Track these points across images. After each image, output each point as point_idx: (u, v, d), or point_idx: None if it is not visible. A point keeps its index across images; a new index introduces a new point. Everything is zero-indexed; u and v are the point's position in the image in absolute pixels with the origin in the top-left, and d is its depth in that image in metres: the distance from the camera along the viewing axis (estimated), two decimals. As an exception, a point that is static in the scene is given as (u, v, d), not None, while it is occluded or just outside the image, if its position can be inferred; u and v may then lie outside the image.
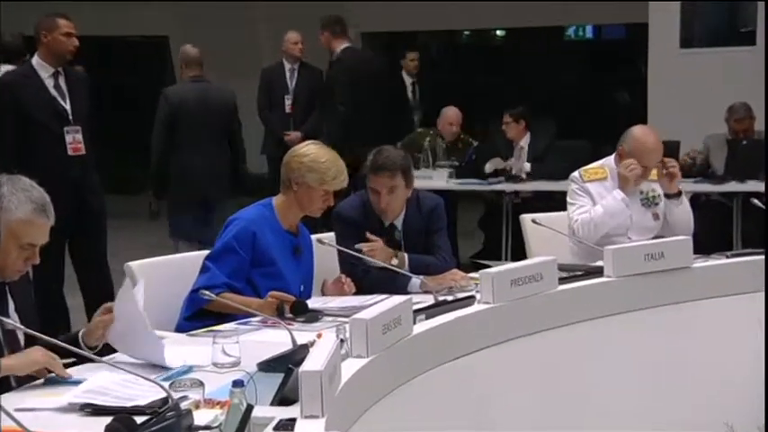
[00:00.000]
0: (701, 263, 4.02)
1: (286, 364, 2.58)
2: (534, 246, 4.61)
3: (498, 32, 14.19)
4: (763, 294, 3.74)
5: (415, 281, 3.86)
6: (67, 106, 5.26)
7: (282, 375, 2.52)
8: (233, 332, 3.11)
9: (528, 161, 7.75)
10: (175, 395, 2.37)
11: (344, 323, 2.82)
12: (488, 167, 7.73)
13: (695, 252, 3.98)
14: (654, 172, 4.58)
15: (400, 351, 2.85)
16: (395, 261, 3.97)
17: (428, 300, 3.40)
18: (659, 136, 4.65)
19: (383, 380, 2.77)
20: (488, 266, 3.56)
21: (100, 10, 11.67)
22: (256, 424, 2.24)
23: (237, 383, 2.27)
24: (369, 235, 3.98)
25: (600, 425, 3.56)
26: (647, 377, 3.76)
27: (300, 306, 3.48)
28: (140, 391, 2.52)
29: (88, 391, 2.58)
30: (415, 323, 2.99)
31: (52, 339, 2.70)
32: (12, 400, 2.49)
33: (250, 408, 2.22)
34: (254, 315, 3.42)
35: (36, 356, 2.71)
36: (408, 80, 9.12)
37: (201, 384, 2.48)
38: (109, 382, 2.62)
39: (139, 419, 2.24)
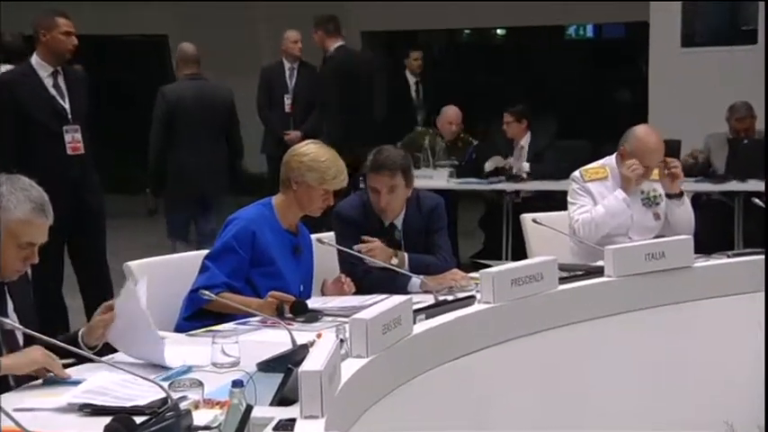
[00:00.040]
0: (702, 263, 4.01)
1: (286, 364, 2.57)
2: (535, 245, 4.61)
3: (499, 31, 14.19)
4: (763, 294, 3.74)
5: (415, 281, 3.85)
6: (66, 105, 5.25)
7: (282, 375, 2.51)
8: (232, 332, 3.11)
9: (528, 160, 7.75)
10: (175, 395, 2.36)
11: (344, 323, 2.81)
12: (488, 166, 7.73)
13: (696, 252, 3.98)
14: (655, 172, 4.57)
15: (400, 351, 2.84)
16: (395, 261, 3.97)
17: (428, 299, 3.40)
18: (660, 135, 4.64)
19: (383, 380, 2.77)
20: (489, 266, 3.56)
21: (100, 10, 11.67)
22: (256, 424, 2.24)
23: (237, 383, 2.27)
24: (365, 238, 3.97)
25: (600, 425, 3.55)
26: (647, 377, 3.76)
27: (300, 306, 3.47)
28: (140, 392, 2.52)
29: (87, 392, 2.57)
30: (415, 323, 2.99)
31: (51, 339, 2.69)
32: (11, 400, 2.48)
33: (249, 408, 2.22)
34: (253, 315, 3.41)
35: (35, 356, 2.70)
36: (412, 79, 9.11)
37: (201, 384, 2.48)
38: (108, 383, 2.62)
39: (139, 420, 2.24)
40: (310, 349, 2.52)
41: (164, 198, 6.73)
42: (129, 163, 10.90)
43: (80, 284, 5.53)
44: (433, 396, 3.02)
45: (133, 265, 3.65)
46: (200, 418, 2.31)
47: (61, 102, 5.25)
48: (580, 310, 3.63)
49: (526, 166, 7.67)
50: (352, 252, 3.88)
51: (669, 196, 4.61)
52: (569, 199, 4.63)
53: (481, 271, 3.44)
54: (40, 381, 2.72)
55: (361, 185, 4.33)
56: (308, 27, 7.94)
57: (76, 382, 2.66)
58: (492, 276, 3.36)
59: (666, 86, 9.29)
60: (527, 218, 4.65)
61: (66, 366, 2.75)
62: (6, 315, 2.80)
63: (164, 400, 2.37)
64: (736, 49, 9.13)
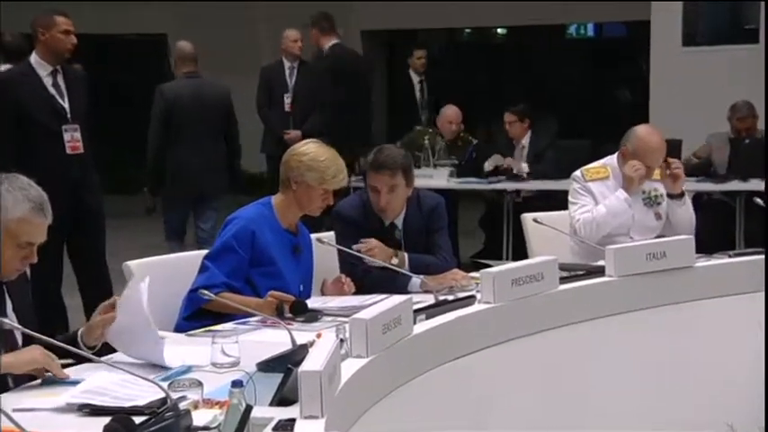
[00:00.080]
0: (703, 262, 4.01)
1: (285, 364, 2.57)
2: (535, 245, 4.60)
3: (499, 31, 14.18)
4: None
5: (416, 280, 3.84)
6: (66, 104, 5.24)
7: (282, 375, 2.50)
8: (232, 332, 3.10)
9: (529, 160, 7.74)
10: (174, 395, 2.36)
11: (344, 323, 2.81)
12: (488, 165, 7.72)
13: (697, 251, 3.97)
14: (656, 171, 4.57)
15: (400, 351, 2.83)
16: (395, 260, 3.96)
17: (428, 299, 3.39)
18: (662, 135, 4.63)
19: (383, 380, 2.76)
20: (489, 266, 3.55)
21: (100, 9, 11.67)
22: (255, 424, 2.23)
23: (236, 384, 2.26)
24: (363, 240, 3.96)
25: (601, 425, 3.54)
26: (648, 377, 3.75)
27: (300, 306, 3.47)
28: (139, 392, 2.51)
29: (86, 392, 2.57)
30: (415, 323, 2.98)
31: (50, 339, 2.69)
32: (10, 400, 2.48)
33: (249, 408, 2.21)
34: (253, 315, 3.40)
35: (34, 355, 2.70)
36: (416, 78, 9.09)
37: (200, 384, 2.47)
38: (107, 383, 2.61)
39: (138, 420, 2.23)
40: (310, 349, 2.52)
41: (162, 197, 6.72)
42: (130, 163, 10.89)
43: (79, 284, 5.52)
44: (433, 396, 3.01)
45: (132, 264, 3.64)
46: (200, 418, 2.30)
47: (60, 101, 5.24)
48: (581, 310, 3.62)
49: (524, 167, 7.65)
50: (351, 252, 3.87)
51: (670, 196, 4.60)
52: (570, 198, 4.62)
53: (481, 271, 3.44)
54: (38, 381, 2.71)
55: (359, 184, 4.32)
56: (307, 26, 7.93)
57: (75, 382, 2.66)
58: (492, 276, 3.35)
59: (667, 86, 9.28)
60: (528, 217, 4.64)
61: (65, 366, 2.74)
62: (5, 315, 2.79)
63: (163, 401, 2.37)
64: (738, 48, 9.12)
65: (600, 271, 3.79)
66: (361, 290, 3.82)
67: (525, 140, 7.84)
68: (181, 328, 3.51)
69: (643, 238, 4.42)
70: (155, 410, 2.32)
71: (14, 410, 2.27)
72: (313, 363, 2.30)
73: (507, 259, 7.21)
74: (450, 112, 8.17)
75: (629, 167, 4.49)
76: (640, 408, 3.69)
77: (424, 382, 2.97)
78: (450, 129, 8.13)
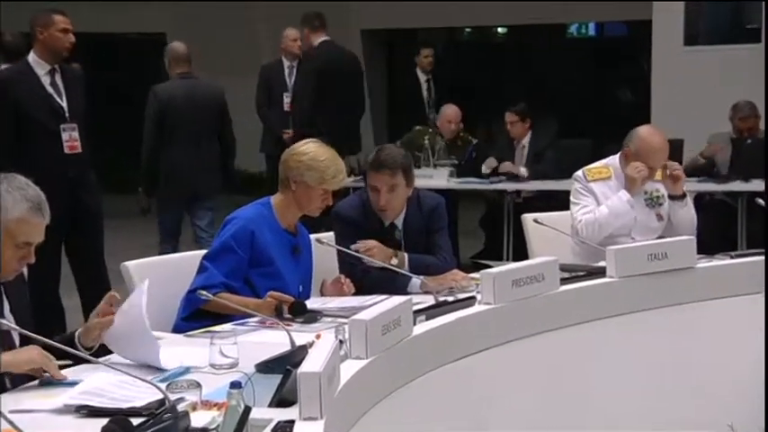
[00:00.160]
0: (705, 263, 4.00)
1: (284, 365, 2.56)
2: (536, 246, 4.59)
3: (500, 30, 14.17)
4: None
5: (416, 281, 3.83)
6: (64, 104, 5.23)
7: (281, 377, 2.50)
8: (231, 333, 3.08)
9: (528, 160, 7.73)
10: (172, 397, 2.36)
11: (343, 324, 2.80)
12: (485, 168, 7.71)
13: (699, 252, 3.96)
14: (658, 172, 4.55)
15: (400, 352, 2.83)
16: (394, 261, 3.95)
17: (428, 300, 3.38)
18: (664, 135, 4.62)
19: (383, 381, 2.75)
20: (489, 266, 3.54)
21: (99, 9, 11.67)
22: (254, 426, 2.22)
23: (235, 385, 2.26)
24: (361, 242, 3.95)
25: (602, 426, 3.54)
26: (649, 378, 3.74)
27: (299, 306, 3.45)
28: (137, 393, 2.50)
29: (84, 393, 2.56)
30: (415, 324, 2.97)
31: (48, 340, 2.68)
32: (7, 401, 2.46)
33: (248, 409, 2.21)
34: (252, 315, 3.39)
35: (32, 355, 2.69)
36: (423, 77, 9.07)
37: (199, 386, 2.46)
38: (105, 384, 2.60)
39: (136, 421, 2.23)
40: (309, 350, 2.51)
41: (156, 197, 6.70)
42: (128, 163, 10.87)
43: (78, 284, 5.51)
44: (433, 398, 3.01)
45: (130, 265, 3.64)
46: (198, 419, 2.30)
47: (58, 100, 5.22)
48: (582, 311, 3.61)
49: (524, 171, 7.63)
50: (351, 252, 3.86)
51: (672, 197, 4.59)
52: (572, 199, 4.61)
53: (482, 271, 3.43)
54: (36, 382, 2.71)
55: (358, 185, 4.30)
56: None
57: (73, 384, 2.65)
58: (493, 277, 3.34)
59: (669, 86, 9.27)
60: (528, 218, 4.63)
61: (62, 367, 2.73)
62: (2, 316, 2.78)
63: (161, 402, 2.36)
64: (740, 47, 9.11)
65: (601, 272, 3.78)
66: (360, 290, 3.81)
67: (526, 140, 7.83)
68: (179, 328, 3.50)
69: (644, 238, 4.41)
70: (153, 412, 2.31)
71: (12, 412, 2.26)
72: (312, 364, 2.29)
73: (508, 260, 7.19)
74: (450, 112, 8.15)
75: (632, 168, 4.48)
76: (641, 408, 3.68)
77: (424, 383, 2.97)
78: (450, 128, 8.11)
